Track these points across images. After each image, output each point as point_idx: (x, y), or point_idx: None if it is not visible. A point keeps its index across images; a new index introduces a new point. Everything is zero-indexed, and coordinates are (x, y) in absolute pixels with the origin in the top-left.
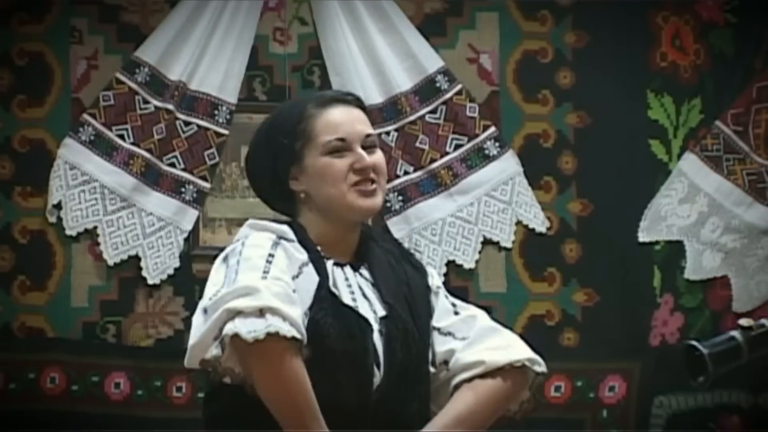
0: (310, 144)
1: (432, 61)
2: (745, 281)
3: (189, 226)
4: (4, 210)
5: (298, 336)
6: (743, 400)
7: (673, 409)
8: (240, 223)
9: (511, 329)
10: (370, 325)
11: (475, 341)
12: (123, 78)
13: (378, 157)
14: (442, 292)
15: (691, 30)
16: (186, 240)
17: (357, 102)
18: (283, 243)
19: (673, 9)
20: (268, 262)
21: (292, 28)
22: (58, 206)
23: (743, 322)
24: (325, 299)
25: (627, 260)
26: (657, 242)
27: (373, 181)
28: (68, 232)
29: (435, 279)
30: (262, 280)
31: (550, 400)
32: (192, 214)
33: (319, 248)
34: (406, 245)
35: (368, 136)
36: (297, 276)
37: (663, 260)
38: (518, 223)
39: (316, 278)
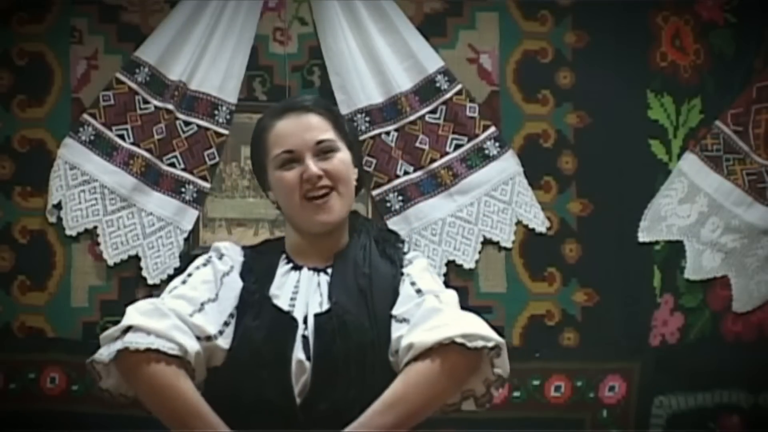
0: (269, 156)
1: (432, 61)
2: (745, 281)
3: (189, 226)
4: (4, 210)
5: (156, 346)
6: (743, 400)
7: (673, 409)
8: (240, 223)
9: (510, 329)
10: (294, 321)
11: (416, 325)
12: (123, 78)
13: (333, 162)
14: (409, 279)
15: (691, 30)
16: (186, 240)
17: (315, 107)
18: (214, 260)
19: (673, 9)
20: (183, 282)
21: (292, 28)
22: (58, 206)
23: None
24: (252, 304)
25: (627, 260)
26: (657, 242)
27: (330, 189)
28: (68, 232)
29: (414, 268)
30: (139, 302)
31: (550, 400)
32: (192, 214)
33: (284, 256)
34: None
35: (319, 142)
36: (220, 287)
37: (663, 260)
38: (518, 223)
39: (238, 285)
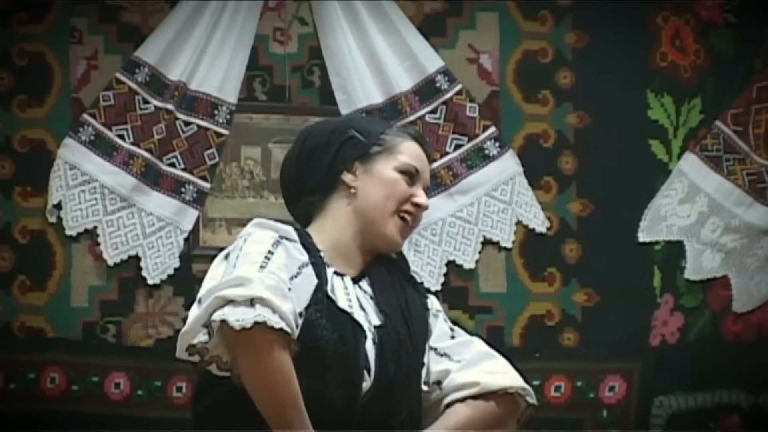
0: (388, 154)
1: (432, 61)
2: (745, 281)
3: (189, 226)
4: (4, 210)
5: (287, 329)
6: (743, 400)
7: (673, 409)
8: (240, 222)
9: (510, 329)
10: (363, 331)
11: (472, 363)
12: (123, 78)
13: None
14: (442, 315)
15: (691, 30)
16: (186, 240)
17: (428, 152)
18: (285, 242)
19: (673, 9)
20: (267, 258)
21: (292, 28)
22: (58, 206)
23: None
24: (321, 301)
25: (627, 260)
26: (657, 242)
27: (414, 225)
28: (68, 232)
29: (435, 304)
30: (257, 272)
31: (550, 400)
32: (192, 214)
33: (322, 254)
34: (404, 245)
35: (427, 187)
36: (296, 276)
37: (663, 260)
38: (518, 223)
39: (314, 280)
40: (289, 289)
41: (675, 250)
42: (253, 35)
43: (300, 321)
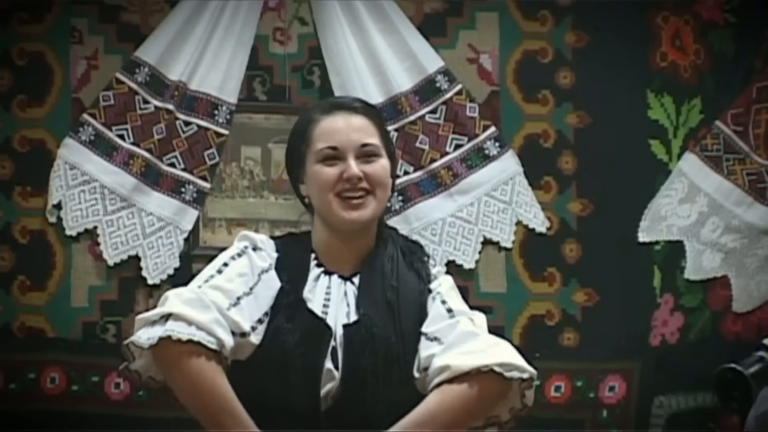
0: (309, 149)
1: (432, 61)
2: (745, 281)
3: (189, 226)
4: (4, 210)
5: (198, 338)
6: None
7: (673, 409)
8: (240, 223)
9: (510, 329)
10: (329, 329)
11: (450, 346)
12: (123, 78)
13: (375, 167)
14: (439, 297)
15: (691, 30)
16: (186, 240)
17: (363, 109)
18: (250, 252)
19: (673, 9)
20: (219, 271)
21: (292, 28)
22: (58, 206)
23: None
24: (287, 305)
25: (627, 260)
26: (657, 242)
27: (367, 192)
28: (68, 232)
29: (442, 286)
30: (180, 288)
31: (550, 400)
32: (192, 214)
33: (313, 256)
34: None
35: (364, 145)
36: (256, 283)
37: (663, 260)
38: (518, 223)
39: (277, 284)
40: (245, 294)
41: (675, 250)
42: (253, 35)
43: (260, 326)
